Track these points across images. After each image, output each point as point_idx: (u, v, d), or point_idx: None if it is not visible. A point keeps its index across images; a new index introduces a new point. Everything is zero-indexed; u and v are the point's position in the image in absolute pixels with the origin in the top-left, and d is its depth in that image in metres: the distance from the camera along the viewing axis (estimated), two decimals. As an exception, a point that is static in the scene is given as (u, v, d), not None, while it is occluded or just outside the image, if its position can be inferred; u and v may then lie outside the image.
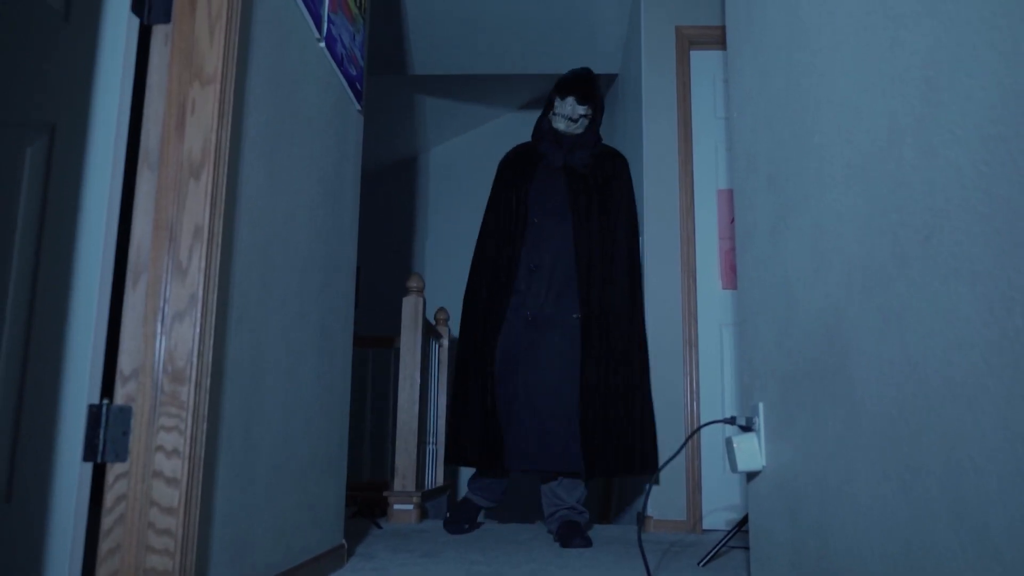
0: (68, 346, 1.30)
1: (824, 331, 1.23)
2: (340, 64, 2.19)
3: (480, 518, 3.27)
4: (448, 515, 2.99)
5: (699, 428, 1.73)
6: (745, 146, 1.70)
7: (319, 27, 1.99)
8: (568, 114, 3.01)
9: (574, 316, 2.85)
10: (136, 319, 1.35)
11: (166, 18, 1.45)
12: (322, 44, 2.03)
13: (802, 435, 1.34)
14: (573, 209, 2.94)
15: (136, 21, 1.43)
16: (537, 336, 2.84)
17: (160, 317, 1.35)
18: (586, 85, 3.02)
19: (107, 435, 1.29)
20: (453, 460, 2.93)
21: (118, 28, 1.40)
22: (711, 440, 3.19)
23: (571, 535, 2.66)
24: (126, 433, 1.31)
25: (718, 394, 3.23)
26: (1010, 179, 0.75)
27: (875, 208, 1.05)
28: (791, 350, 1.39)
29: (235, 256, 1.49)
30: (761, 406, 1.57)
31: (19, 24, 1.39)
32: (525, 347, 2.83)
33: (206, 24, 1.44)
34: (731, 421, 1.69)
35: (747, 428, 1.62)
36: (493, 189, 3.19)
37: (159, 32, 1.45)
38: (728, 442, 1.61)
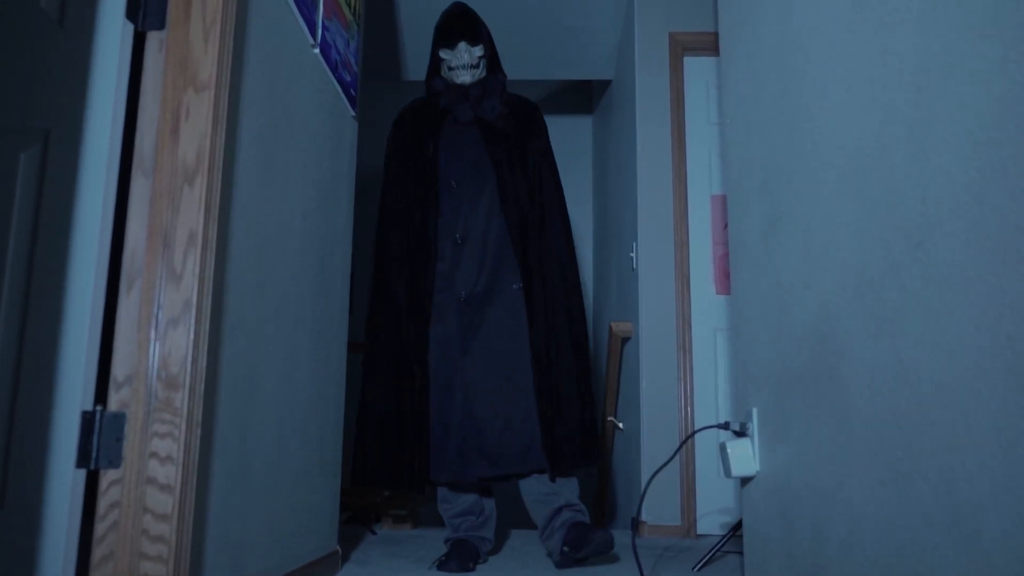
0: (62, 352, 1.30)
1: (817, 337, 1.24)
2: (334, 70, 2.19)
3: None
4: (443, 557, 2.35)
5: (693, 434, 1.74)
6: (738, 152, 1.70)
7: (313, 33, 1.99)
8: (466, 62, 2.59)
9: (515, 287, 2.43)
10: (130, 325, 1.35)
11: (160, 24, 1.45)
12: (316, 50, 2.03)
13: (796, 440, 1.34)
14: (495, 166, 2.51)
15: (131, 27, 1.43)
16: (475, 316, 2.39)
17: (154, 323, 1.34)
18: (470, 23, 2.63)
19: (100, 441, 1.29)
20: (382, 482, 2.33)
21: (112, 34, 1.40)
22: (705, 444, 3.19)
23: (585, 537, 2.24)
24: (120, 439, 1.30)
25: (712, 399, 3.24)
26: (1001, 185, 0.75)
27: (867, 214, 1.05)
28: (784, 355, 1.40)
29: (229, 262, 1.49)
30: (755, 411, 1.57)
31: (13, 29, 1.39)
32: (463, 331, 2.38)
33: (201, 30, 1.44)
34: (725, 426, 1.69)
35: (741, 433, 1.63)
36: (387, 160, 2.67)
37: (153, 38, 1.45)
38: (722, 447, 1.62)
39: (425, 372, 2.36)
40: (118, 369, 1.34)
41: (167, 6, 1.45)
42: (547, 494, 2.35)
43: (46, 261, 1.33)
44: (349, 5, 2.37)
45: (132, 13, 1.42)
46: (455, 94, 2.61)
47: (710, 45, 3.43)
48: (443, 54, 2.64)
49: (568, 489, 2.37)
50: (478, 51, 2.61)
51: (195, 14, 1.45)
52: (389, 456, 2.31)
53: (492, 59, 2.67)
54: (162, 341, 1.34)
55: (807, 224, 1.28)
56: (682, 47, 3.49)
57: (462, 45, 2.60)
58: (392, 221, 2.56)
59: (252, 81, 1.61)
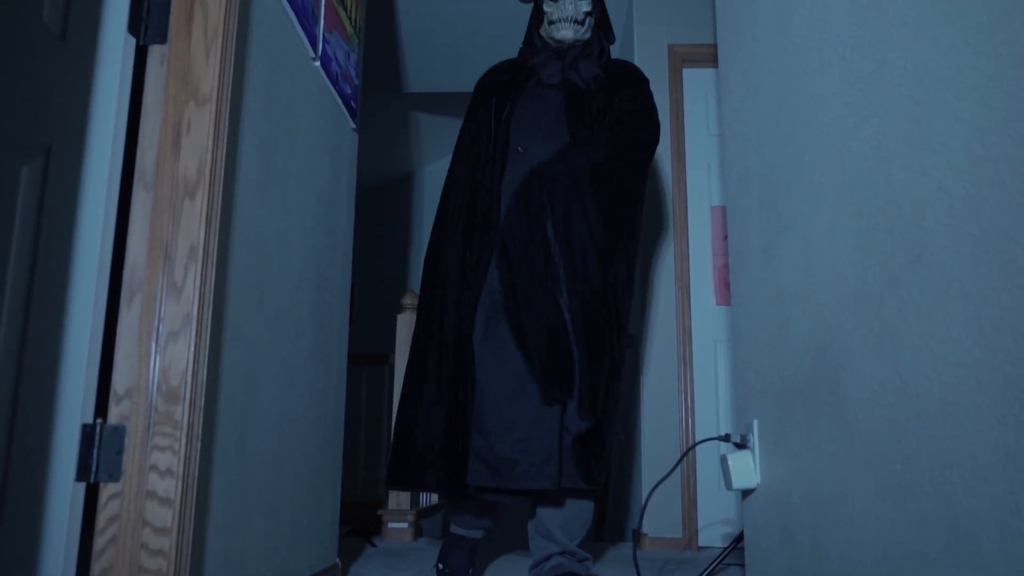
0: (62, 365, 1.30)
1: (817, 349, 1.24)
2: (335, 83, 2.20)
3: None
4: (439, 565, 2.22)
5: (693, 446, 1.74)
6: (737, 164, 1.71)
7: (314, 46, 2.00)
8: (570, 15, 2.34)
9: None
10: (131, 338, 1.35)
11: (162, 38, 1.46)
12: (317, 63, 2.04)
13: (796, 453, 1.34)
14: (572, 133, 2.23)
15: (132, 41, 1.44)
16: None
17: (155, 336, 1.35)
18: None
19: (100, 455, 1.29)
20: (406, 484, 2.07)
21: (114, 48, 1.41)
22: (706, 456, 3.19)
23: None
24: (119, 452, 1.30)
25: (713, 410, 3.23)
26: (998, 199, 0.75)
27: (866, 227, 1.06)
28: (784, 367, 1.40)
29: (230, 274, 1.49)
30: (755, 423, 1.57)
31: (15, 43, 1.39)
32: (500, 309, 2.06)
33: (202, 44, 1.45)
34: (725, 438, 1.69)
35: (741, 445, 1.63)
36: (466, 119, 2.42)
37: (155, 52, 1.46)
38: (723, 460, 1.61)
39: (469, 353, 2.04)
40: (119, 382, 1.34)
41: (169, 20, 1.46)
42: (548, 528, 2.09)
43: (47, 275, 1.34)
44: (350, 18, 2.38)
45: (134, 27, 1.43)
46: (548, 53, 2.38)
47: (709, 57, 3.45)
48: (547, 6, 2.39)
49: (577, 524, 2.11)
50: (584, 5, 2.36)
51: (196, 28, 1.46)
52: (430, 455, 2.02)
53: (601, 20, 2.42)
54: (162, 354, 1.34)
55: (807, 236, 1.29)
56: (681, 59, 3.50)
57: None
58: (453, 189, 2.29)
59: (253, 94, 1.61)
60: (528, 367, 1.98)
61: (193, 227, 1.38)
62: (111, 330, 1.36)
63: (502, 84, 2.38)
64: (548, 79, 2.33)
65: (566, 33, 2.33)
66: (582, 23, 2.35)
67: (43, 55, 1.41)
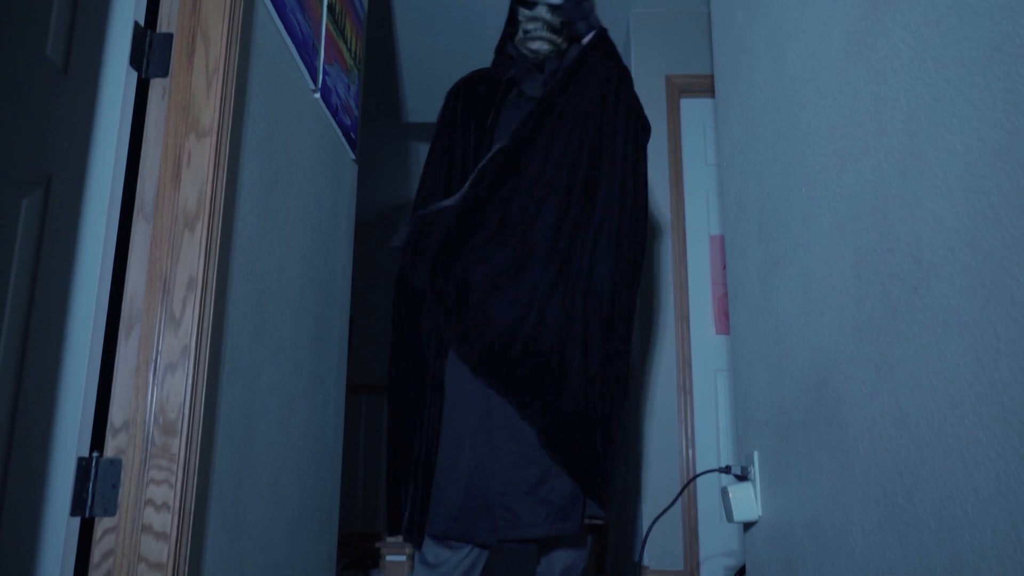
0: (59, 397, 1.30)
1: (816, 380, 1.23)
2: (335, 114, 2.22)
3: None
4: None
5: (694, 477, 1.72)
6: (735, 195, 1.72)
7: (314, 79, 2.02)
8: (546, 24, 2.18)
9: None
10: (128, 370, 1.35)
11: (164, 72, 1.47)
12: (317, 95, 2.06)
13: (798, 485, 1.33)
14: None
15: (134, 74, 1.45)
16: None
17: (152, 368, 1.34)
18: None
19: (96, 488, 1.28)
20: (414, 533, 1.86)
21: (116, 81, 1.43)
22: (707, 486, 3.16)
23: None
24: (115, 486, 1.29)
25: (713, 440, 3.21)
26: (993, 232, 0.76)
27: (863, 258, 1.06)
28: (784, 398, 1.39)
29: (228, 306, 1.49)
30: (756, 455, 1.56)
31: (18, 76, 1.41)
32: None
33: (203, 77, 1.46)
34: (726, 470, 1.68)
35: (742, 477, 1.61)
36: (438, 130, 2.22)
37: (157, 85, 1.48)
38: (723, 492, 1.60)
39: (440, 388, 1.90)
40: (116, 415, 1.33)
41: (171, 54, 1.48)
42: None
43: (45, 306, 1.33)
44: (350, 50, 2.40)
45: (136, 61, 1.45)
46: (525, 64, 2.21)
47: (707, 87, 3.48)
48: (521, 15, 2.21)
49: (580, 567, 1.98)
50: (562, 13, 2.18)
51: (198, 61, 1.47)
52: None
53: (574, 29, 2.21)
54: (160, 386, 1.33)
55: (805, 267, 1.29)
56: (679, 89, 3.53)
57: (543, 6, 2.17)
58: (427, 203, 2.06)
59: (253, 126, 1.62)
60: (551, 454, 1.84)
61: (192, 259, 1.38)
62: (108, 362, 1.36)
63: (480, 94, 2.22)
64: (530, 91, 2.18)
65: (542, 45, 2.19)
66: (559, 32, 2.20)
67: (46, 88, 1.42)
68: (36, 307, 1.34)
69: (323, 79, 2.09)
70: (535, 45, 2.19)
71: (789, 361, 1.36)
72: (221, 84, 1.46)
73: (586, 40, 2.13)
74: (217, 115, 1.45)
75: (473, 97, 2.22)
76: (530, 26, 2.18)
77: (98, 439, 1.32)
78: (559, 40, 2.20)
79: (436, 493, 1.83)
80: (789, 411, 1.37)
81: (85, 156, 1.39)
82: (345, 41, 2.33)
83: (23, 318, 1.34)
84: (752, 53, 1.59)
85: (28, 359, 1.32)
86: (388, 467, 1.98)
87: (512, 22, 2.26)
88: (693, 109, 3.53)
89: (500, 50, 2.31)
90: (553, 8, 2.16)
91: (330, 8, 2.15)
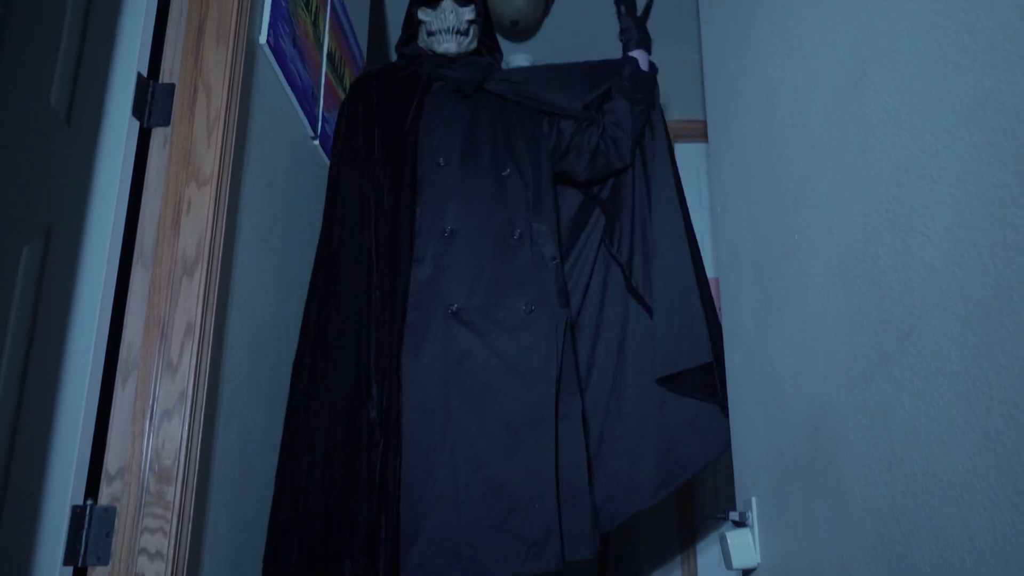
0: (54, 445, 1.29)
1: (812, 425, 1.24)
2: (333, 161, 2.25)
3: None
4: None
5: (693, 523, 1.71)
6: (729, 240, 1.74)
7: (313, 126, 2.05)
8: (452, 25, 2.06)
9: (523, 308, 1.77)
10: (124, 417, 1.35)
11: (165, 121, 1.50)
12: (316, 142, 2.09)
13: (796, 531, 1.33)
14: (502, 154, 1.98)
15: (136, 124, 1.47)
16: (474, 342, 1.73)
17: (149, 415, 1.34)
18: None
19: (89, 537, 1.27)
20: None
21: (118, 131, 1.45)
22: (706, 531, 3.13)
23: None
24: (109, 535, 1.28)
25: (711, 485, 3.19)
26: (981, 281, 0.77)
27: (855, 305, 1.07)
28: (781, 443, 1.39)
29: (226, 352, 1.49)
30: (754, 500, 1.56)
31: (21, 125, 1.43)
32: (453, 364, 1.71)
33: (204, 127, 1.49)
34: (724, 516, 1.67)
35: (740, 523, 1.60)
36: (339, 140, 2.01)
37: (158, 134, 1.50)
38: (722, 538, 1.59)
39: (390, 426, 1.67)
40: (111, 462, 1.33)
41: (173, 104, 1.50)
42: None
43: (43, 353, 1.34)
44: (349, 98, 2.44)
45: (138, 110, 1.47)
46: (432, 63, 2.08)
47: (699, 132, 3.53)
48: (422, 14, 2.10)
49: None
50: (468, 13, 2.09)
51: (199, 111, 1.50)
52: (319, 552, 1.60)
53: (485, 32, 2.14)
54: (156, 433, 1.33)
55: (798, 312, 1.30)
56: (673, 134, 3.57)
57: (447, 3, 2.07)
58: (346, 214, 1.87)
59: (252, 173, 1.65)
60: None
61: (190, 305, 1.39)
62: (105, 408, 1.36)
63: (387, 88, 2.04)
64: (462, 83, 2.04)
65: (448, 46, 2.07)
66: (466, 33, 2.09)
67: (48, 137, 1.44)
68: (34, 354, 1.34)
69: (322, 126, 2.12)
70: (442, 47, 2.08)
71: (784, 405, 1.37)
72: (222, 133, 1.49)
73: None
74: (217, 163, 1.47)
75: (385, 89, 2.05)
76: (435, 27, 2.08)
77: (93, 486, 1.32)
78: (467, 40, 2.10)
79: (403, 540, 1.62)
80: (786, 456, 1.37)
81: (85, 204, 1.41)
82: (344, 89, 2.36)
83: (21, 364, 1.34)
84: (743, 101, 1.62)
85: (24, 405, 1.32)
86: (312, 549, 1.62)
87: (411, 22, 2.14)
88: (687, 154, 3.58)
89: (401, 52, 2.19)
90: (459, 7, 2.07)
91: (329, 57, 2.19)
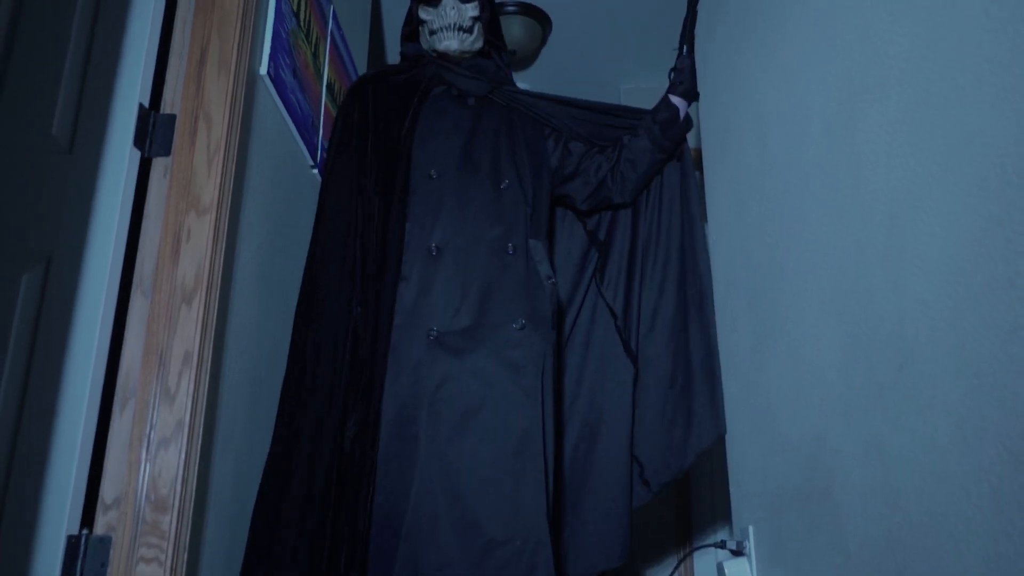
0: (50, 473, 1.29)
1: (808, 456, 1.24)
2: (332, 189, 2.26)
3: None
4: None
5: (690, 552, 1.70)
6: (724, 270, 1.75)
7: (313, 155, 2.07)
8: (453, 21, 1.94)
9: (514, 326, 1.66)
10: (121, 446, 1.34)
11: (166, 151, 1.51)
12: (315, 171, 2.10)
13: (794, 562, 1.32)
14: (501, 165, 1.88)
15: (137, 153, 1.49)
16: (453, 366, 1.62)
17: (146, 443, 1.34)
18: None
19: (85, 567, 1.26)
20: None
21: (119, 161, 1.46)
22: (704, 560, 3.11)
23: None
24: (104, 565, 1.28)
25: (708, 513, 3.18)
26: (973, 314, 0.78)
27: (850, 336, 1.08)
28: (778, 473, 1.40)
29: (223, 381, 1.49)
30: (751, 530, 1.55)
31: (24, 156, 1.44)
32: (432, 390, 1.60)
33: (205, 157, 1.50)
34: (721, 545, 1.66)
35: (738, 552, 1.60)
36: (334, 144, 1.94)
37: (159, 164, 1.51)
38: (719, 568, 1.58)
39: (366, 453, 1.57)
40: (107, 491, 1.32)
41: (174, 134, 1.52)
42: None
43: (41, 380, 1.34)
44: (348, 127, 2.46)
45: (139, 140, 1.49)
46: (435, 65, 1.97)
47: (695, 161, 3.55)
48: (423, 13, 1.99)
49: None
50: (471, 9, 1.96)
51: (200, 141, 1.51)
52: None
53: (491, 31, 2.02)
54: (153, 462, 1.33)
55: (793, 343, 1.31)
56: (669, 163, 3.61)
57: (448, 2, 1.96)
58: (331, 231, 1.80)
59: (252, 202, 1.66)
60: None
61: (189, 333, 1.40)
62: (101, 436, 1.36)
63: (385, 92, 1.94)
64: (470, 89, 1.94)
65: (450, 43, 1.95)
66: (469, 30, 1.97)
67: (50, 166, 1.45)
68: (32, 380, 1.35)
69: (321, 154, 2.14)
70: (443, 44, 1.96)
71: (781, 436, 1.37)
72: (222, 163, 1.50)
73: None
74: (217, 192, 1.48)
75: (382, 93, 1.95)
76: (436, 25, 1.96)
77: (88, 514, 1.31)
78: (470, 39, 1.97)
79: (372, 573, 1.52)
80: (783, 486, 1.37)
81: (86, 233, 1.42)
82: (343, 118, 2.39)
83: (19, 391, 1.34)
84: (738, 133, 1.65)
85: (22, 433, 1.32)
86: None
87: (411, 20, 2.03)
88: (683, 182, 3.60)
89: (405, 53, 2.08)
90: (461, 4, 1.96)
91: (329, 87, 2.21)
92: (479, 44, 2.00)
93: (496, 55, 2.05)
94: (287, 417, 1.64)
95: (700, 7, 2.01)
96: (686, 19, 2.03)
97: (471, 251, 1.73)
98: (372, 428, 1.59)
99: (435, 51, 1.98)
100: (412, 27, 2.03)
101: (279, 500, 1.56)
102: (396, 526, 1.52)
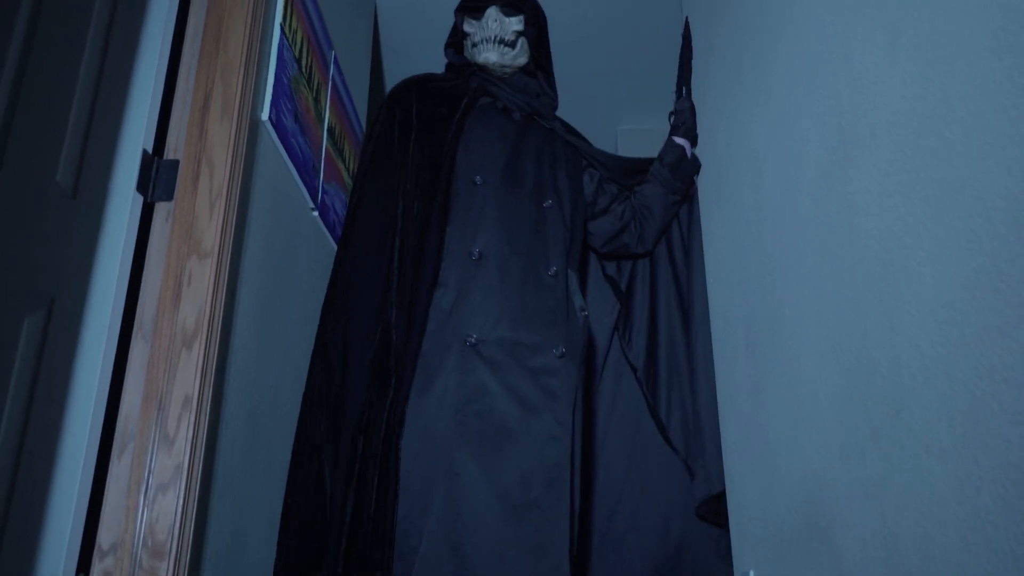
0: (47, 520, 1.29)
1: (807, 498, 1.24)
2: (332, 230, 2.28)
3: None
4: None
5: (690, 596, 1.69)
6: (722, 310, 1.76)
7: (313, 198, 2.09)
8: (494, 34, 1.92)
9: (555, 352, 1.61)
10: (119, 491, 1.34)
11: (168, 196, 1.53)
12: (315, 213, 2.12)
13: (794, 606, 1.32)
14: (544, 182, 1.88)
15: (140, 199, 1.51)
16: (489, 379, 1.55)
17: (144, 488, 1.34)
18: None
19: (80, 615, 1.25)
20: None
21: (122, 205, 1.48)
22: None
23: None
24: (100, 612, 1.27)
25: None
26: (966, 362, 0.79)
27: (846, 379, 1.09)
28: (777, 516, 1.39)
29: (222, 425, 1.50)
30: (752, 573, 1.54)
31: (28, 201, 1.46)
32: (463, 401, 1.53)
33: (207, 201, 1.52)
34: (722, 589, 1.65)
35: (739, 596, 1.59)
36: (370, 146, 1.90)
37: (161, 209, 1.53)
38: (720, 612, 1.57)
39: (389, 470, 1.49)
40: (104, 536, 1.32)
41: (176, 179, 1.54)
42: None
43: (40, 424, 1.34)
44: (348, 169, 2.49)
45: (143, 186, 1.51)
46: (480, 78, 1.95)
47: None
48: (467, 26, 1.98)
49: None
50: (514, 23, 1.93)
51: (202, 186, 1.53)
52: None
53: (538, 49, 1.98)
54: (151, 507, 1.33)
55: (791, 385, 1.31)
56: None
57: (493, 10, 1.93)
58: (369, 224, 1.76)
59: (253, 246, 1.67)
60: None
61: (188, 378, 1.40)
62: (100, 480, 1.35)
63: (430, 96, 1.92)
64: (512, 103, 1.94)
65: (489, 55, 1.92)
66: (512, 44, 1.94)
67: (54, 212, 1.47)
68: (31, 424, 1.34)
69: (321, 197, 2.16)
70: (481, 57, 1.94)
71: (780, 477, 1.37)
72: (224, 207, 1.52)
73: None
74: (219, 237, 1.50)
75: (427, 98, 1.92)
76: (478, 37, 1.95)
77: (85, 560, 1.31)
78: (512, 53, 1.95)
79: None
80: (783, 528, 1.36)
81: (88, 277, 1.43)
82: (344, 161, 2.42)
83: (18, 435, 1.34)
84: (733, 174, 1.67)
85: (20, 477, 1.31)
86: None
87: (455, 33, 2.04)
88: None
89: (450, 64, 2.08)
90: (504, 17, 1.93)
91: (330, 131, 2.24)
92: (522, 60, 1.97)
93: (543, 77, 2.02)
94: (312, 419, 1.60)
95: (694, 48, 2.04)
96: (681, 61, 2.07)
97: (512, 262, 1.67)
98: (393, 447, 1.50)
99: (476, 63, 1.96)
100: (456, 39, 2.03)
101: (302, 511, 1.54)
102: (415, 544, 1.44)
